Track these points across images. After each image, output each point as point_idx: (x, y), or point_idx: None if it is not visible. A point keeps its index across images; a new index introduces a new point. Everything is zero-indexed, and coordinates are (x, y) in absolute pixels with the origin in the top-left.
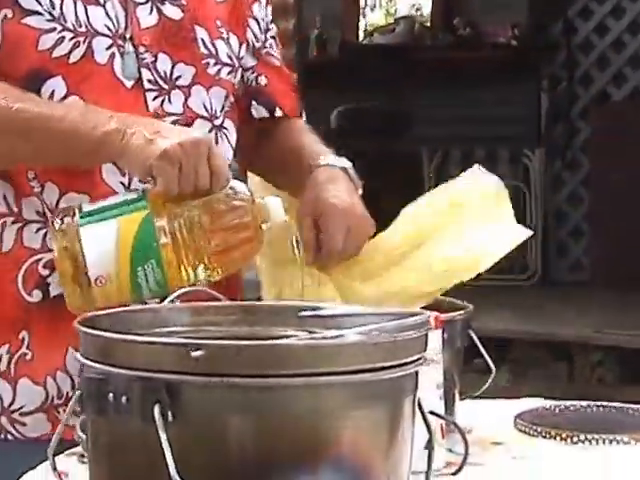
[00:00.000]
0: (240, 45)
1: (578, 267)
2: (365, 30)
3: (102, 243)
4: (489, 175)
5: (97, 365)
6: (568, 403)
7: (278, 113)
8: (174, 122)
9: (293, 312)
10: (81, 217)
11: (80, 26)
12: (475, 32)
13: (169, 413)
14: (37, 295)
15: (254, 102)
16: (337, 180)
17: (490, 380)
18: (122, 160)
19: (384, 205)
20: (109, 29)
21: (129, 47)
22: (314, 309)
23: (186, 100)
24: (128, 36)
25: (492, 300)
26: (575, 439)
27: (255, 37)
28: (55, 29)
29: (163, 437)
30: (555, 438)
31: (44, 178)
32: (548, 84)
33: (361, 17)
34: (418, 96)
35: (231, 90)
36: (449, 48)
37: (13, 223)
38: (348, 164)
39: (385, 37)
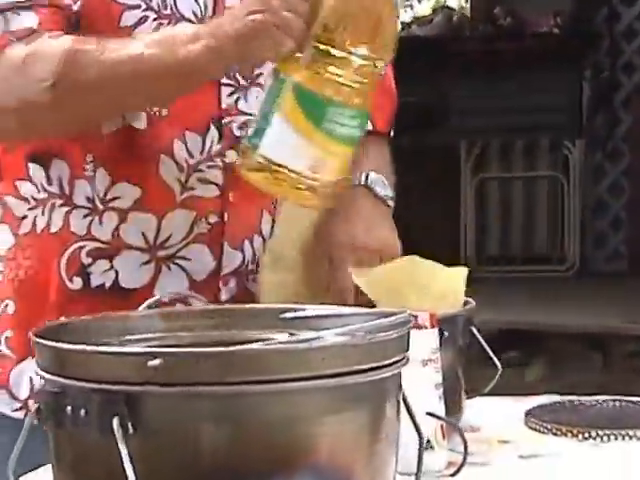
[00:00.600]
0: None
1: (616, 257)
2: (403, 22)
3: (285, 142)
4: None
5: (54, 378)
6: (583, 398)
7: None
8: (245, 123)
9: (274, 314)
10: (253, 144)
11: (165, 8)
12: (516, 21)
13: (129, 425)
14: (77, 283)
15: None
16: (360, 209)
17: (497, 378)
18: (226, 70)
19: (421, 198)
20: (195, 14)
21: None
22: (296, 310)
23: None
24: None
25: (529, 291)
26: (587, 435)
27: None
28: (140, 6)
29: (123, 450)
30: (567, 435)
31: (98, 164)
32: (591, 73)
33: (407, 9)
34: (456, 87)
35: None
36: (489, 38)
37: (62, 206)
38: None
39: (423, 29)
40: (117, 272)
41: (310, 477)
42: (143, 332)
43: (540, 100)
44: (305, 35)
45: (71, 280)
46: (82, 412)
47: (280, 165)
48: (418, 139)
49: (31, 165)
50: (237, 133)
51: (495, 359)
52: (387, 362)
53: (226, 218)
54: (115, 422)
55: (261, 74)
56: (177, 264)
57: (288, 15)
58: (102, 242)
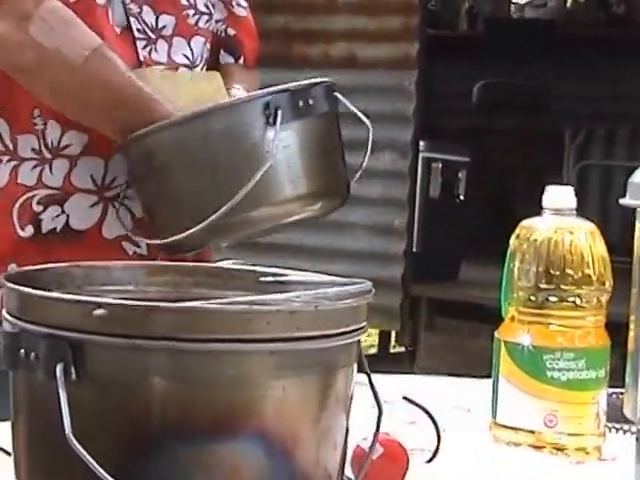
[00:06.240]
0: None
1: None
2: (517, 3)
3: None
4: None
5: (13, 320)
6: None
7: (240, 61)
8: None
9: (253, 277)
10: None
11: None
12: (629, 10)
13: (73, 372)
14: (29, 230)
15: (222, 50)
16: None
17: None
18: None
19: (523, 182)
20: None
21: None
22: (275, 275)
23: (169, 50)
24: None
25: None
26: None
27: None
28: None
29: (62, 396)
30: None
31: (48, 115)
32: None
33: None
34: (563, 72)
35: (209, 38)
36: (599, 24)
37: (8, 161)
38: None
39: (536, 11)
40: (68, 216)
41: (253, 439)
42: (125, 284)
43: None
44: None
45: (23, 229)
46: (33, 355)
47: None
48: (525, 121)
49: None
50: None
51: (364, 119)
52: (336, 331)
53: None
54: (59, 368)
55: (164, 27)
56: (122, 204)
57: None
58: (53, 189)
